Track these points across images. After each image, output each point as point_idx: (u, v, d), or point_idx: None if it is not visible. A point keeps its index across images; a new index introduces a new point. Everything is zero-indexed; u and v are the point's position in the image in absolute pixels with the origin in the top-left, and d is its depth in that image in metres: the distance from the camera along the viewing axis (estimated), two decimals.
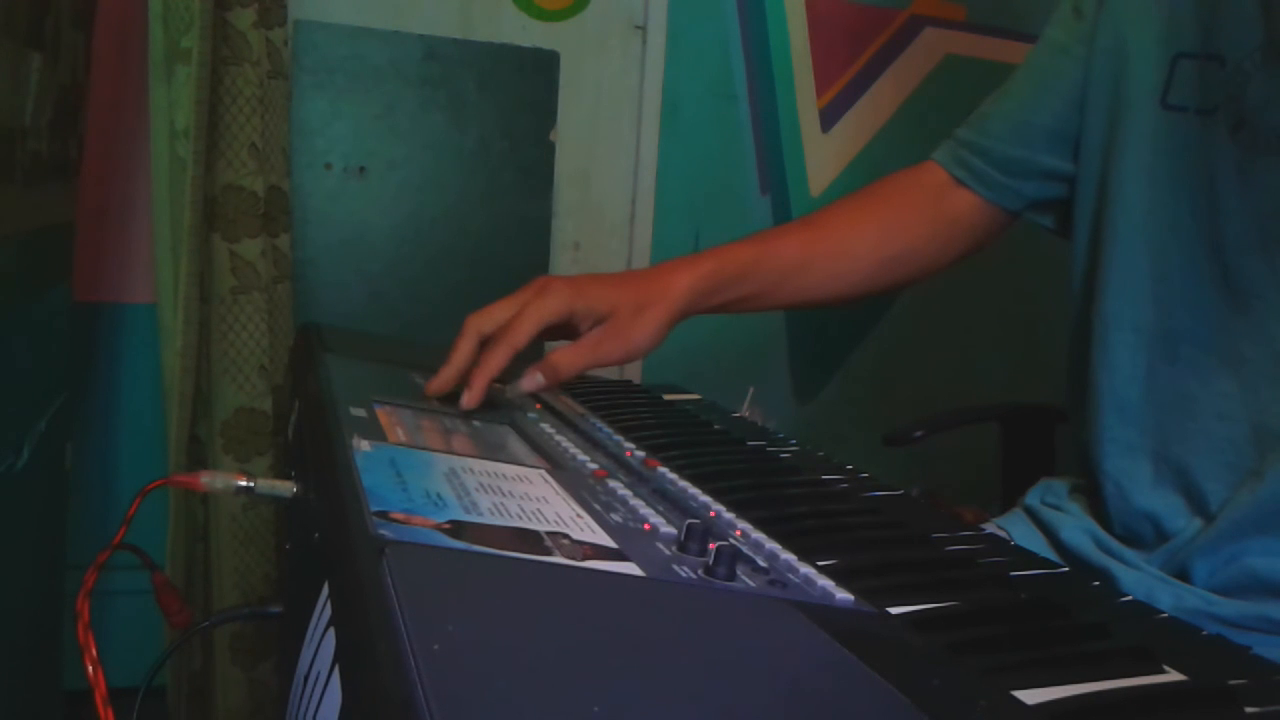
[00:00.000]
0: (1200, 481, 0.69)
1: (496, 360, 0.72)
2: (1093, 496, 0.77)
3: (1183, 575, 0.69)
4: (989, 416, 1.46)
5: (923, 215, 0.87)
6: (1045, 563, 0.62)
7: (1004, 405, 1.47)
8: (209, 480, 0.61)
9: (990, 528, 0.81)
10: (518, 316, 0.72)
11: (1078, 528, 0.76)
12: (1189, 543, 0.69)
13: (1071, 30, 0.80)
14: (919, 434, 1.38)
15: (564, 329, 0.76)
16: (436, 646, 0.31)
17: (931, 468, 1.91)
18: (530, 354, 0.76)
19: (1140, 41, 0.74)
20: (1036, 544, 0.78)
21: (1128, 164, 0.74)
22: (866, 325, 2.10)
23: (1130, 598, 0.58)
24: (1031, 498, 0.83)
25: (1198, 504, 0.70)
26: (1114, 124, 0.76)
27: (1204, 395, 0.69)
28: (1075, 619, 0.49)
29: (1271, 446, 0.66)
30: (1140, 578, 0.70)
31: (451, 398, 0.76)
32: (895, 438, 1.38)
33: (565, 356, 0.74)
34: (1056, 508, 0.80)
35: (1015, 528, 0.81)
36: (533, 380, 0.73)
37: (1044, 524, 0.80)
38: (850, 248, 0.86)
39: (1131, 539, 0.74)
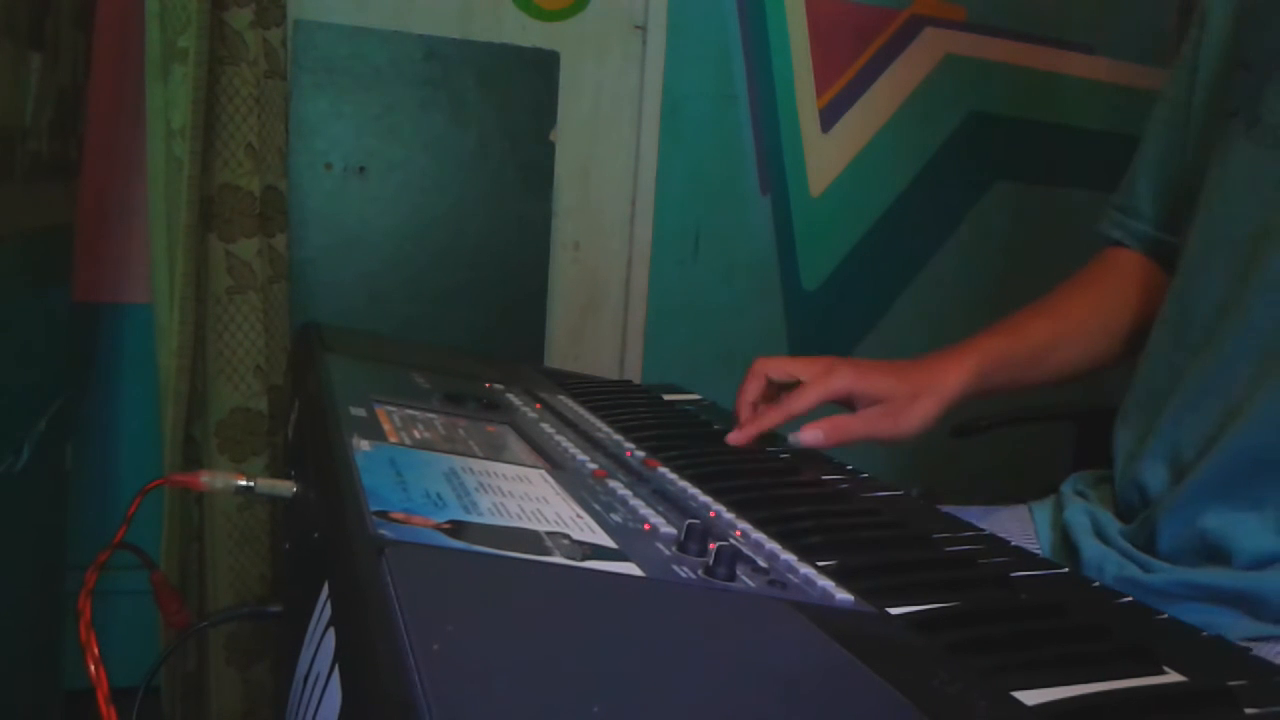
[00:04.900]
0: (1182, 451, 0.72)
1: (773, 420, 0.83)
2: (1111, 481, 0.81)
3: (1150, 541, 0.72)
4: (1063, 415, 1.50)
5: (1126, 284, 0.90)
6: (1045, 563, 0.62)
7: (1078, 405, 1.48)
8: (209, 480, 0.61)
9: (1023, 509, 0.86)
10: (805, 387, 0.82)
11: (1081, 508, 0.79)
12: (1157, 507, 0.72)
13: (1180, 81, 0.84)
14: (986, 426, 1.43)
15: (840, 403, 0.84)
16: (436, 646, 0.31)
17: (931, 467, 1.91)
18: None
19: (1218, 62, 0.79)
20: (1047, 526, 0.82)
21: (1208, 180, 0.77)
22: (866, 326, 2.10)
23: (1130, 598, 0.58)
24: (1066, 485, 0.87)
25: (1177, 473, 0.73)
26: (1205, 146, 0.79)
27: (1197, 372, 0.73)
28: (1075, 619, 0.49)
29: (1234, 414, 0.69)
30: (1098, 548, 0.74)
31: (452, 397, 0.77)
32: (963, 428, 1.42)
33: (847, 424, 0.82)
34: (1082, 495, 0.83)
35: (1040, 512, 0.85)
36: (813, 435, 0.82)
37: (1061, 507, 0.83)
38: (1085, 327, 0.90)
39: (1126, 513, 0.77)
